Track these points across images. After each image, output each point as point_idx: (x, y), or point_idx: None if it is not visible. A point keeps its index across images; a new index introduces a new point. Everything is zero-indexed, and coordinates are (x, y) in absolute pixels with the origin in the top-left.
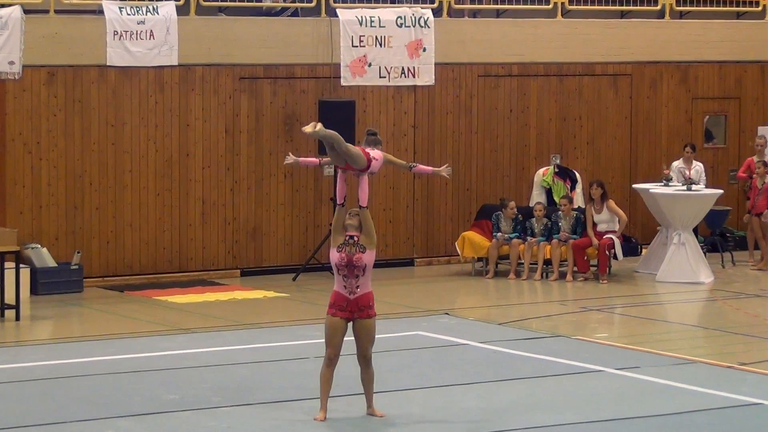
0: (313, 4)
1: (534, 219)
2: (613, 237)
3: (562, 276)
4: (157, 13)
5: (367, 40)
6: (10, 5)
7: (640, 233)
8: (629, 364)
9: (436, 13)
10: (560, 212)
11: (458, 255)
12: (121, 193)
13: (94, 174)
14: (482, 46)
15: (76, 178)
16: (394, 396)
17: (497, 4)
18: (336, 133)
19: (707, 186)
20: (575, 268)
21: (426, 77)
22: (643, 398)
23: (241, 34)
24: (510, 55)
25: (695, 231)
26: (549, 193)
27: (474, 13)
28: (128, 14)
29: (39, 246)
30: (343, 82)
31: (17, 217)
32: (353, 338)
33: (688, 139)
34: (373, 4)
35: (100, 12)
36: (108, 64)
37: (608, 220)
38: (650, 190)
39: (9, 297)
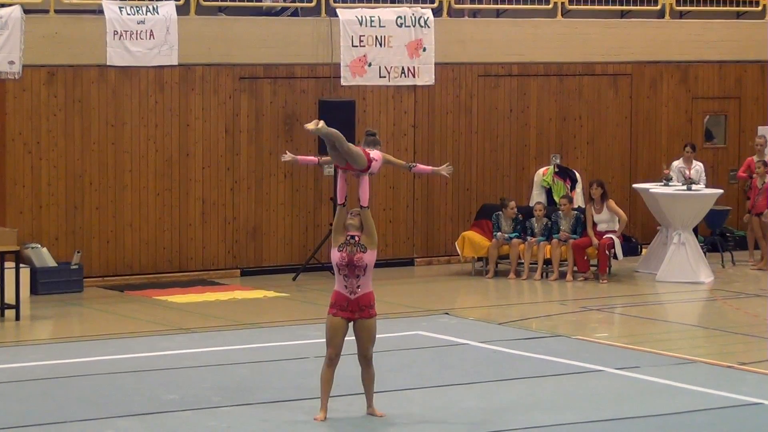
0: (313, 4)
1: (534, 219)
2: (613, 237)
3: (562, 276)
4: (157, 13)
5: (367, 39)
6: (10, 5)
7: (640, 233)
8: (629, 363)
9: (436, 12)
10: (560, 212)
11: (458, 255)
12: (121, 192)
13: (94, 174)
14: (482, 46)
15: (76, 177)
16: (394, 396)
17: (497, 4)
18: (338, 132)
19: (707, 186)
20: (575, 268)
21: (426, 77)
22: (643, 398)
23: (241, 34)
24: (510, 55)
25: (695, 231)
26: (549, 192)
27: (474, 13)
28: (128, 14)
29: (39, 246)
30: (343, 82)
31: (17, 217)
32: (354, 338)
33: (688, 138)
34: (373, 4)
35: (100, 12)
36: (108, 63)
37: (608, 219)
38: (650, 190)
39: (9, 297)
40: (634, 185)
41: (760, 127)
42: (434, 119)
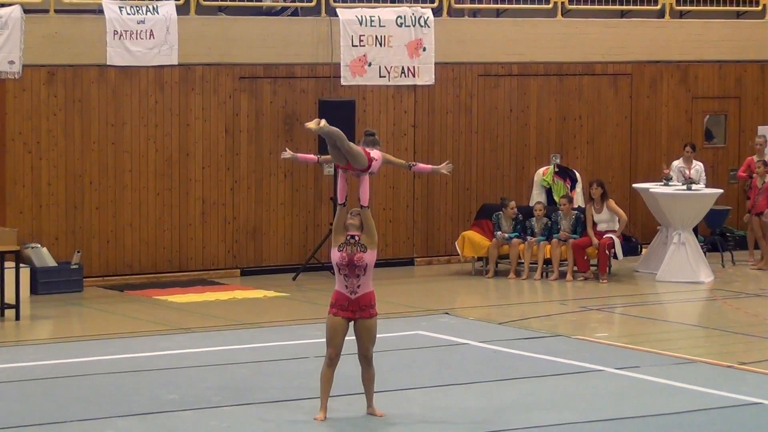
0: (313, 4)
1: (534, 218)
2: (613, 236)
3: (562, 275)
4: (157, 13)
5: (367, 39)
6: (10, 5)
7: (640, 233)
8: (629, 363)
9: (436, 12)
10: (560, 212)
11: (458, 254)
12: (121, 192)
13: (94, 173)
14: (482, 46)
15: (76, 177)
16: (394, 396)
17: (497, 3)
18: (339, 131)
19: (707, 185)
20: (575, 268)
21: (426, 77)
22: (643, 398)
23: (241, 33)
24: (510, 55)
25: (695, 230)
26: (549, 192)
27: (474, 13)
28: (128, 14)
29: (39, 246)
30: (343, 82)
31: (17, 217)
32: (354, 338)
33: (688, 138)
34: (373, 4)
35: (100, 11)
36: (108, 63)
37: (608, 219)
38: (650, 190)
39: (9, 297)
40: (634, 185)
41: (760, 127)
42: (434, 119)
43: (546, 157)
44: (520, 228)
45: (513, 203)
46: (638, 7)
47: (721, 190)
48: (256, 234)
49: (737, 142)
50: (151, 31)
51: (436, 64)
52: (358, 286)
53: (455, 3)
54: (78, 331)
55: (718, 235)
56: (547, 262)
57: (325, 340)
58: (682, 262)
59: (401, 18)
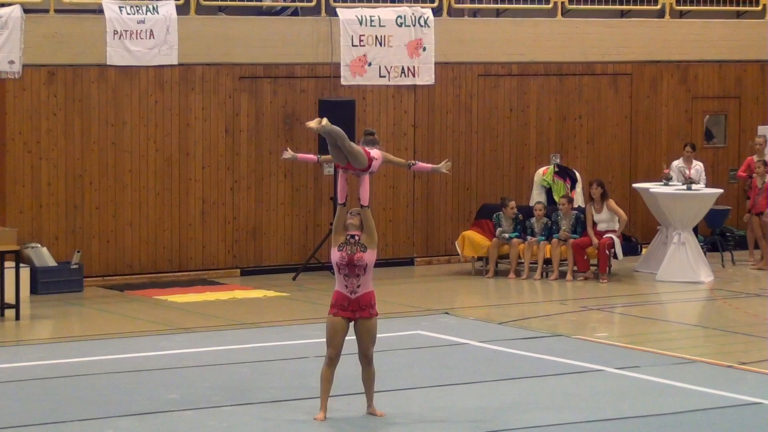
0: (313, 4)
1: (534, 218)
2: (613, 236)
3: (562, 275)
4: (157, 13)
5: (367, 39)
6: (10, 4)
7: (640, 233)
8: (629, 363)
9: (436, 12)
10: (560, 212)
11: (458, 254)
12: (121, 192)
13: (94, 173)
14: (482, 46)
15: (76, 177)
16: (394, 395)
17: (497, 3)
18: (341, 130)
19: (707, 185)
20: (575, 268)
21: (426, 76)
22: (643, 398)
23: (241, 33)
24: (510, 55)
25: (695, 230)
26: (549, 192)
27: (474, 13)
28: (128, 14)
29: (39, 245)
30: (343, 82)
31: (17, 217)
32: (354, 338)
33: (688, 138)
34: (373, 4)
35: (100, 11)
36: (108, 63)
37: (608, 219)
38: (650, 190)
39: (9, 296)
40: (634, 185)
41: (760, 127)
42: (434, 119)
43: (546, 157)
44: (520, 228)
45: (513, 203)
46: (638, 7)
47: (721, 190)
48: (256, 234)
49: (737, 142)
50: (151, 30)
51: (436, 64)
52: (358, 286)
53: (455, 3)
54: (78, 331)
55: (718, 235)
56: (547, 261)
57: (325, 340)
58: (682, 262)
59: (401, 18)
